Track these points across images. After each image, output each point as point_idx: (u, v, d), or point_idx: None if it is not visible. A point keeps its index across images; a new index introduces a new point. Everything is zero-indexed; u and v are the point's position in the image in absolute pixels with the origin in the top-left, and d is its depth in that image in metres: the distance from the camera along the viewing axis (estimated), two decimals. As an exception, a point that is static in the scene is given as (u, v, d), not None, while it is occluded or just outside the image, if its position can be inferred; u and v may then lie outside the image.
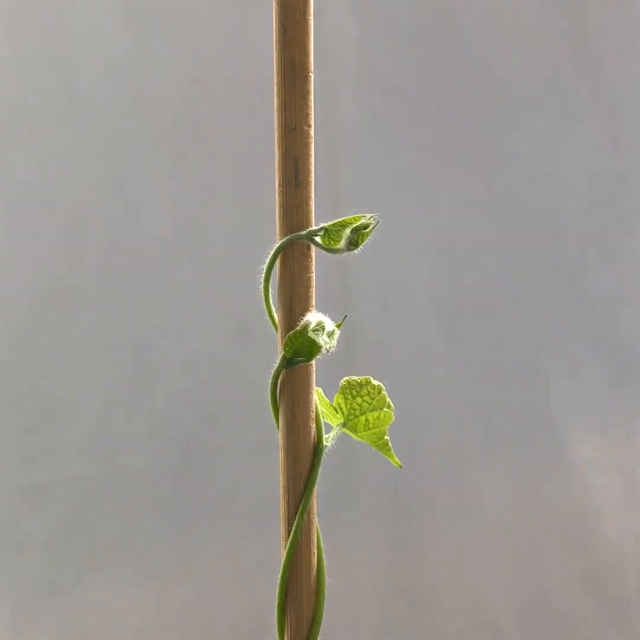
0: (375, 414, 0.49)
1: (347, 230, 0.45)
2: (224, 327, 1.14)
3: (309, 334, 0.44)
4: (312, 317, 0.45)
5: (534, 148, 1.21)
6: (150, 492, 1.12)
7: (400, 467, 0.50)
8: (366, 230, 0.45)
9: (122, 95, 1.13)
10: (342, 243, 0.45)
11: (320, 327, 0.45)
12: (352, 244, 0.45)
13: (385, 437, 0.50)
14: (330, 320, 0.46)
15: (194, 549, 1.13)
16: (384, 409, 0.49)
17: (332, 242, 0.46)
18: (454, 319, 1.19)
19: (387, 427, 0.50)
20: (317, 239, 0.46)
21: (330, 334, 0.45)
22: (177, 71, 1.15)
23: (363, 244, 0.45)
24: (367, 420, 0.49)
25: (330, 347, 0.45)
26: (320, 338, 0.44)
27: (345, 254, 0.46)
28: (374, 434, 0.50)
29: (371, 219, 0.45)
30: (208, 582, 1.13)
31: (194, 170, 1.15)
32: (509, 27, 1.21)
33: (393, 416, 0.49)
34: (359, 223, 0.45)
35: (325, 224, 0.46)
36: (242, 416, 1.13)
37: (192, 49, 1.15)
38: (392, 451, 0.50)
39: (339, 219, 0.46)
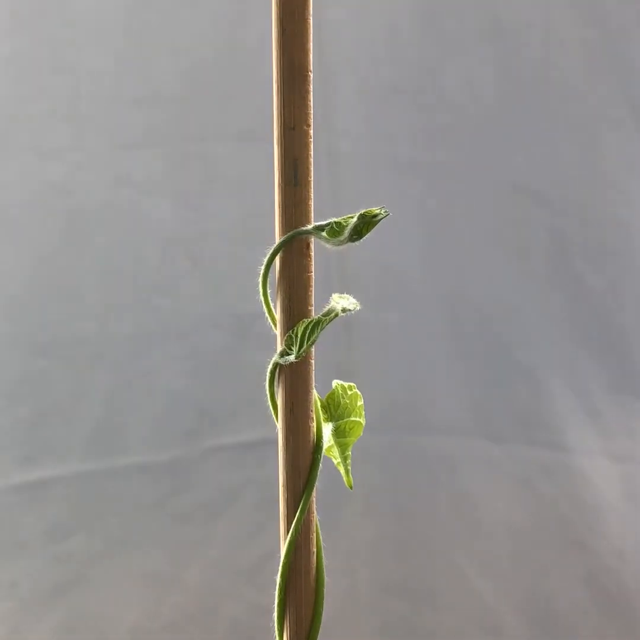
0: (351, 422, 0.49)
1: (354, 218, 0.45)
2: (224, 327, 1.14)
3: (331, 301, 0.45)
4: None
5: (532, 144, 1.21)
6: (150, 492, 1.12)
7: (351, 488, 0.48)
8: (375, 219, 0.44)
9: (122, 94, 1.14)
10: (345, 232, 0.45)
11: (344, 297, 0.45)
12: (356, 233, 0.45)
13: (349, 451, 0.49)
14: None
15: (194, 548, 1.13)
16: (359, 419, 0.49)
17: (336, 236, 0.45)
18: (453, 319, 1.19)
19: (354, 440, 0.48)
20: (323, 233, 0.45)
21: (352, 305, 0.45)
22: (177, 70, 1.15)
23: (366, 235, 0.45)
24: (344, 427, 0.49)
25: (340, 310, 0.44)
26: (341, 302, 0.45)
27: (346, 244, 0.45)
28: (344, 442, 0.48)
29: (381, 209, 0.45)
30: (207, 582, 1.13)
31: (194, 170, 1.15)
32: (510, 26, 1.21)
33: (362, 431, 0.48)
34: (367, 210, 0.45)
35: (334, 219, 0.45)
36: (242, 415, 1.13)
37: (192, 48, 1.15)
38: (350, 468, 0.48)
39: (350, 214, 0.45)
